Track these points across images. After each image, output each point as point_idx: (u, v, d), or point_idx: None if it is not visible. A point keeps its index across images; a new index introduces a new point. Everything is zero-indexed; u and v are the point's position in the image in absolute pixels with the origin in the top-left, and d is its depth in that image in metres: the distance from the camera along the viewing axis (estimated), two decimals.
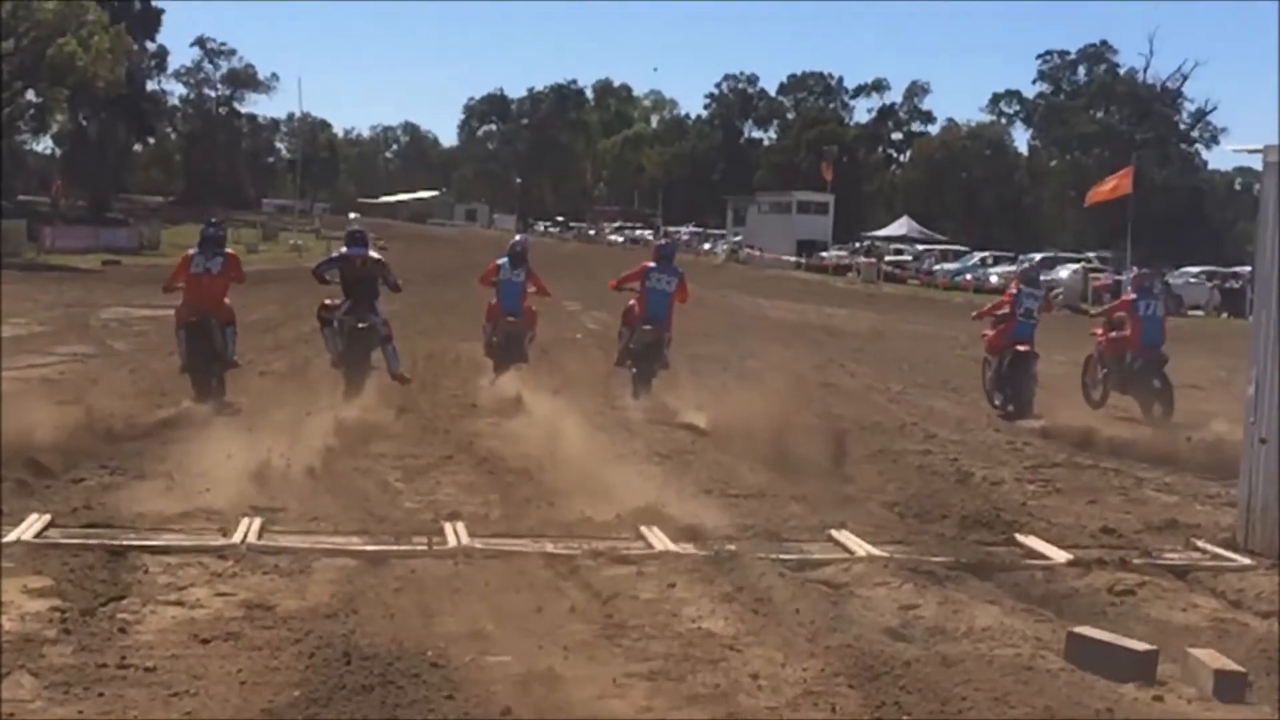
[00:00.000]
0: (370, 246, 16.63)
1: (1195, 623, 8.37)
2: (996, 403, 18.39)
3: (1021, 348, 17.90)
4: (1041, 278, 21.70)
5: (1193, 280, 55.24)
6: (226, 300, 15.98)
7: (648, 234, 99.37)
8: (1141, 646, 7.34)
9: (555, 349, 22.77)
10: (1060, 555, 9.74)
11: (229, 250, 16.69)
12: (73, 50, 49.21)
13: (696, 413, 16.03)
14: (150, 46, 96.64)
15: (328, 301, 16.15)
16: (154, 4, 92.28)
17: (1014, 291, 18.68)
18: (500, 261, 18.42)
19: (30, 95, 53.24)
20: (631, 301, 17.81)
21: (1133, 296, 19.04)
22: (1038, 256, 64.52)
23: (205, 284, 15.72)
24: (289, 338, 22.75)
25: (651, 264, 17.92)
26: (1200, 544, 10.47)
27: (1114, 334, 18.63)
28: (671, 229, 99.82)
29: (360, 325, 15.58)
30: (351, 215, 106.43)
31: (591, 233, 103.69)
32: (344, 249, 16.52)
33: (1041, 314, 18.60)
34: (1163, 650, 7.36)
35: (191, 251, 16.23)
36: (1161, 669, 7.21)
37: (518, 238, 20.76)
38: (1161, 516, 11.55)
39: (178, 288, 16.02)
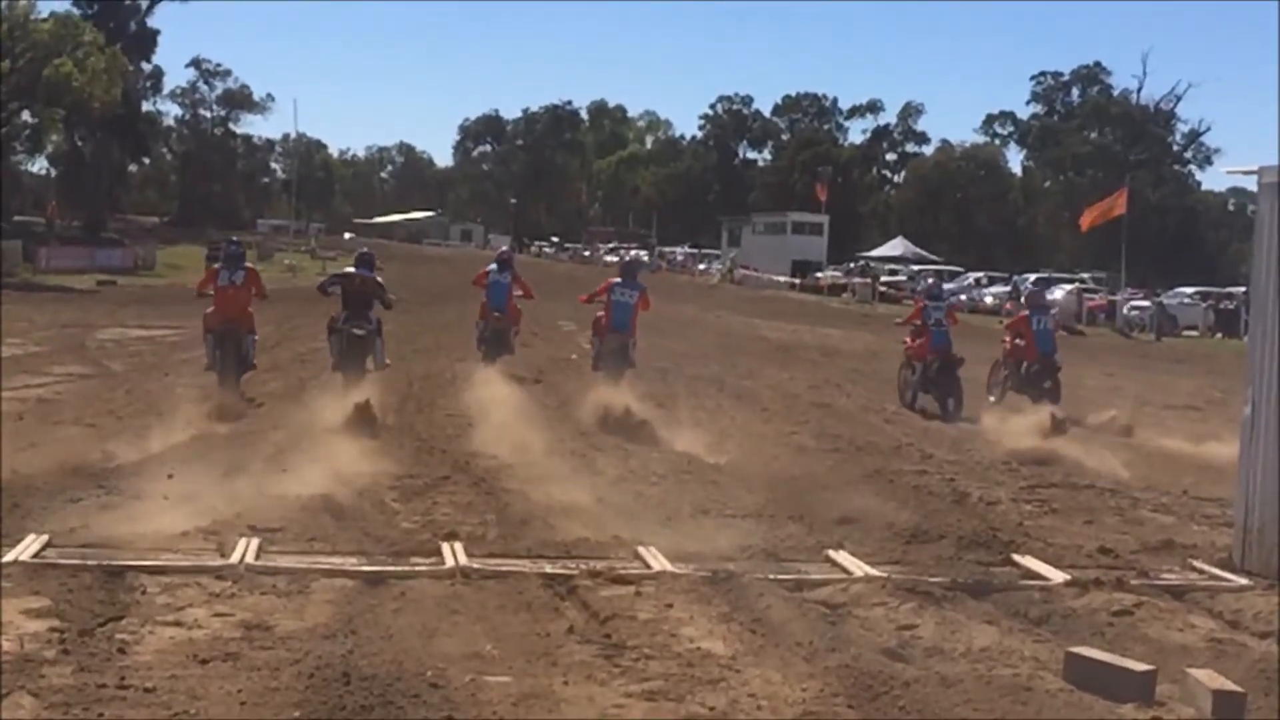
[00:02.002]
0: (375, 269, 18.39)
1: (1193, 643, 8.37)
2: (908, 399, 20.85)
3: (948, 355, 20.24)
4: (945, 287, 25.08)
5: (1187, 301, 55.34)
6: (250, 309, 17.99)
7: (643, 254, 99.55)
8: (1140, 667, 7.35)
9: (551, 370, 22.80)
10: (1058, 575, 9.75)
11: (249, 265, 18.62)
12: (69, 71, 49.26)
13: (689, 430, 16.13)
14: (146, 67, 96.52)
15: (334, 314, 17.82)
16: (150, 25, 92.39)
17: (922, 306, 21.14)
18: (490, 267, 21.75)
19: (26, 116, 53.24)
20: (600, 313, 19.47)
21: (1027, 313, 21.05)
22: (1031, 277, 64.81)
23: (230, 295, 17.78)
24: (285, 358, 22.76)
25: (616, 280, 19.66)
26: (1197, 564, 10.49)
27: (1016, 342, 20.53)
28: (666, 249, 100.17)
29: (355, 332, 17.32)
30: (346, 235, 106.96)
31: (586, 253, 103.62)
32: (351, 268, 18.37)
33: (948, 322, 20.74)
34: (1161, 670, 7.37)
35: (217, 266, 18.49)
36: (1160, 689, 7.21)
37: (504, 247, 26.58)
38: (1158, 537, 11.56)
39: (208, 294, 18.16)
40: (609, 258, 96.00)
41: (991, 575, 9.81)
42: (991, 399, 20.57)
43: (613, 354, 18.97)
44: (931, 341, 20.25)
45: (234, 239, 20.53)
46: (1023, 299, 23.99)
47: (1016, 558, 10.38)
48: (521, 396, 18.33)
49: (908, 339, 21.13)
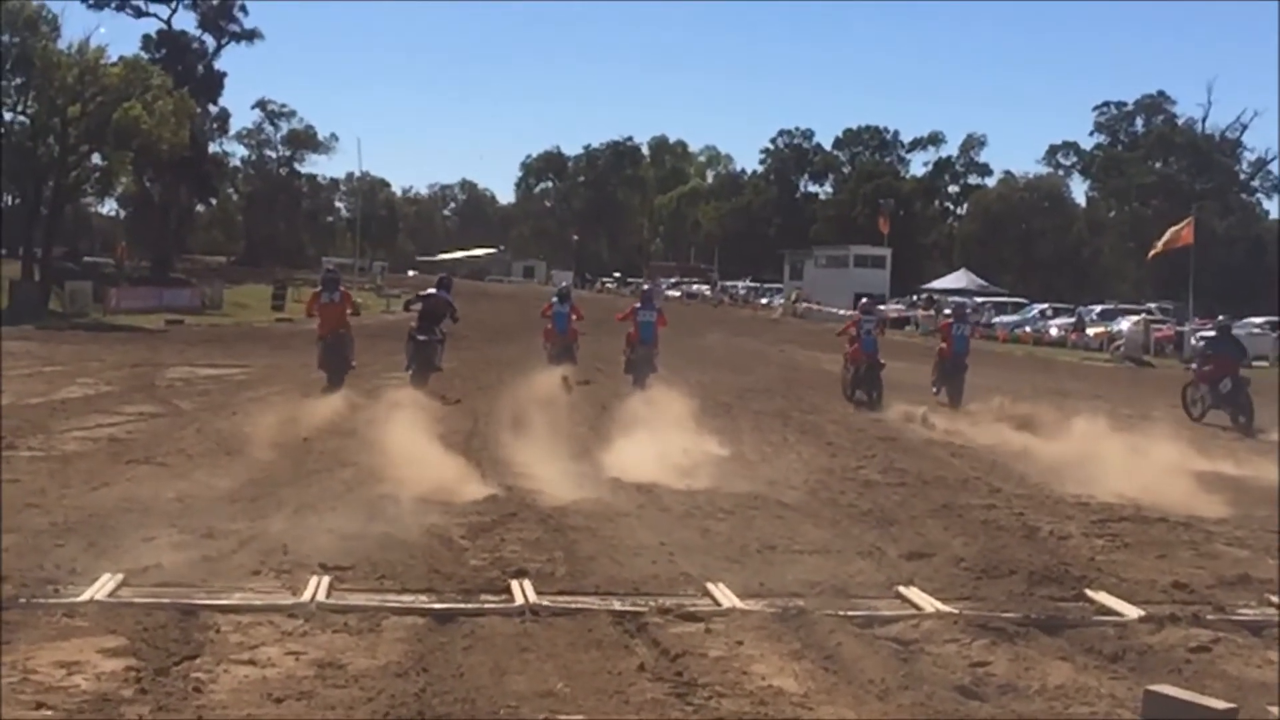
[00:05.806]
0: (451, 290, 24.60)
1: (1272, 680, 8.23)
2: (848, 393, 26.09)
3: (873, 359, 25.58)
4: (880, 306, 32.00)
5: (1256, 331, 54.47)
6: (348, 319, 23.41)
7: (705, 289, 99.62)
8: (1221, 705, 7.21)
9: (615, 405, 22.79)
10: (1132, 611, 9.63)
11: (342, 289, 24.19)
12: (137, 114, 49.97)
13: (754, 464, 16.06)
14: (213, 109, 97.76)
15: (412, 324, 23.56)
16: (216, 68, 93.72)
17: (857, 320, 26.35)
18: (553, 300, 28.36)
19: (96, 158, 54.03)
20: (630, 329, 26.36)
21: (951, 321, 27.36)
22: (1097, 309, 64.33)
23: (332, 310, 23.39)
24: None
25: (639, 305, 26.74)
26: (1274, 599, 10.32)
27: (941, 346, 26.87)
28: (728, 283, 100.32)
29: (420, 339, 23.22)
30: (410, 273, 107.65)
31: (647, 288, 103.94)
32: (432, 289, 24.57)
33: (877, 334, 26.19)
34: (1241, 708, 7.24)
35: (318, 290, 24.42)
36: None
37: (563, 282, 38.81)
38: (1233, 571, 11.38)
39: (313, 314, 24.28)
40: (671, 292, 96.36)
41: (1064, 611, 9.71)
42: (934, 391, 26.60)
43: (642, 360, 25.81)
44: (863, 347, 25.66)
45: (331, 266, 29.64)
46: (949, 310, 30.29)
47: (1089, 593, 10.25)
48: (586, 434, 18.39)
49: (847, 344, 26.49)
